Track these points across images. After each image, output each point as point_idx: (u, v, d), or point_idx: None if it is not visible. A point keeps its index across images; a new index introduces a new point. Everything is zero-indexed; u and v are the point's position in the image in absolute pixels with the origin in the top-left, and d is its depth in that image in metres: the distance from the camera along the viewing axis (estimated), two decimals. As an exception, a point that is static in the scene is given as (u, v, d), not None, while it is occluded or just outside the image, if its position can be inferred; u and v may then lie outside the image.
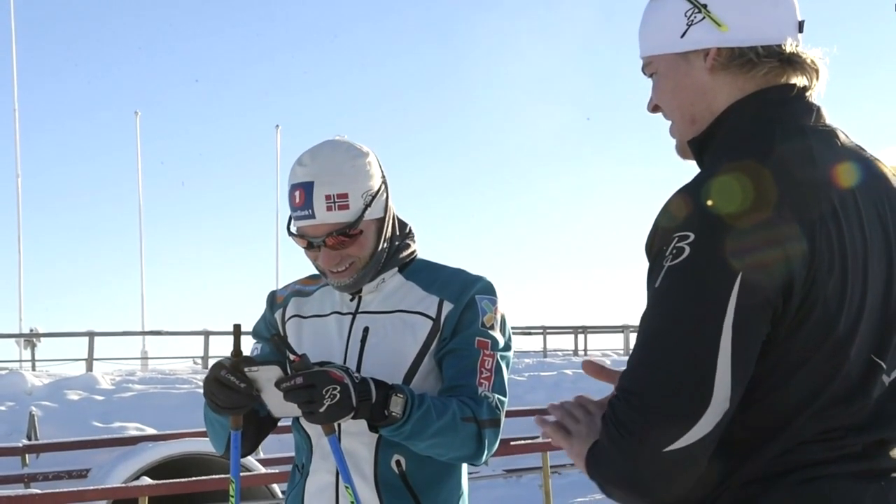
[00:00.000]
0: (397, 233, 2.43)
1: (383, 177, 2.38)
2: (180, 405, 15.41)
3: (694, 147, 1.75)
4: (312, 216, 2.26)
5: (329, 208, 2.25)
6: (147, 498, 8.81)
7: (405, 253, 2.43)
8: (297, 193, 2.28)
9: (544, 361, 23.35)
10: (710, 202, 1.52)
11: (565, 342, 31.12)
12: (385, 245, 2.37)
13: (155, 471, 10.55)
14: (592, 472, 1.61)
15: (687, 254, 1.51)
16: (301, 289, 2.53)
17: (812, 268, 1.52)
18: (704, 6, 1.69)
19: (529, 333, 27.79)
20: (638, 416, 1.51)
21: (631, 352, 1.60)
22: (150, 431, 14.05)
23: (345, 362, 2.34)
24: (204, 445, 11.34)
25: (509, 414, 2.39)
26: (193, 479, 9.43)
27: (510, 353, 2.39)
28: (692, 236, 1.51)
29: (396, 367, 2.31)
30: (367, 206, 2.30)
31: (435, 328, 2.33)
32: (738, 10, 1.69)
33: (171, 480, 9.32)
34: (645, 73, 1.81)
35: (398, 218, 2.45)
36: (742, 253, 1.49)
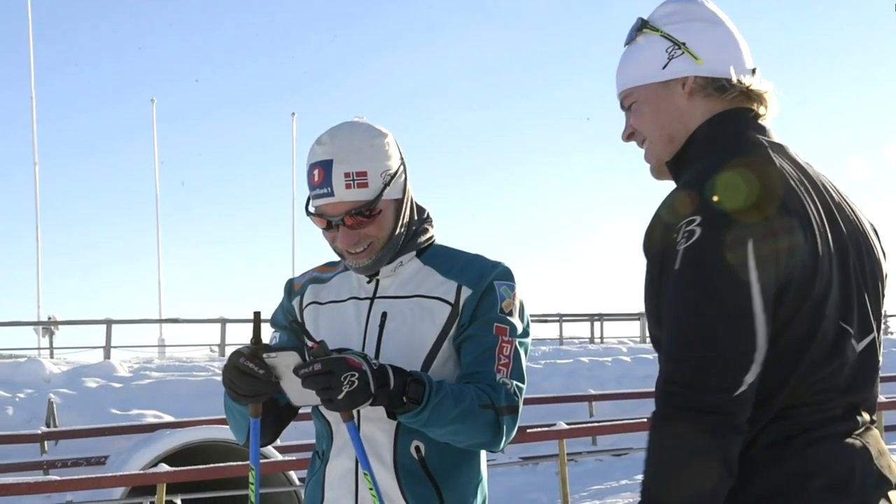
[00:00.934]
0: (415, 217, 2.42)
1: (402, 159, 2.38)
2: (197, 393, 15.45)
3: (671, 165, 2.06)
4: (331, 194, 2.26)
5: (348, 186, 2.26)
6: (165, 485, 8.85)
7: (423, 238, 2.42)
8: (315, 172, 2.28)
9: (560, 349, 23.32)
10: (709, 192, 1.79)
11: (581, 329, 31.20)
12: (403, 227, 2.37)
13: (172, 458, 10.60)
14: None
15: (699, 233, 1.76)
16: (318, 276, 2.53)
17: (793, 238, 1.79)
18: (683, 44, 2.03)
19: (545, 321, 27.76)
20: (703, 370, 1.73)
21: (671, 327, 1.81)
22: (168, 419, 14.12)
23: (363, 348, 2.33)
24: (221, 433, 11.39)
25: (526, 402, 2.38)
26: (211, 465, 9.47)
27: (528, 340, 2.38)
28: (699, 218, 1.77)
29: (415, 352, 2.31)
30: (386, 185, 2.30)
31: (454, 313, 2.33)
32: (711, 49, 2.03)
33: (189, 467, 9.36)
34: (623, 106, 2.12)
35: (416, 203, 2.45)
36: (746, 222, 1.76)
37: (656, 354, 1.94)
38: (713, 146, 1.97)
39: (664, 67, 2.03)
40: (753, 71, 2.06)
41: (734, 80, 2.01)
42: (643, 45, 2.07)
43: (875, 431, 1.92)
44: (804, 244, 1.80)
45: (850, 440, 1.85)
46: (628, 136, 2.12)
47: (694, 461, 1.72)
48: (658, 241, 1.84)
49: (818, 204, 1.89)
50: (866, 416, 1.91)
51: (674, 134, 2.04)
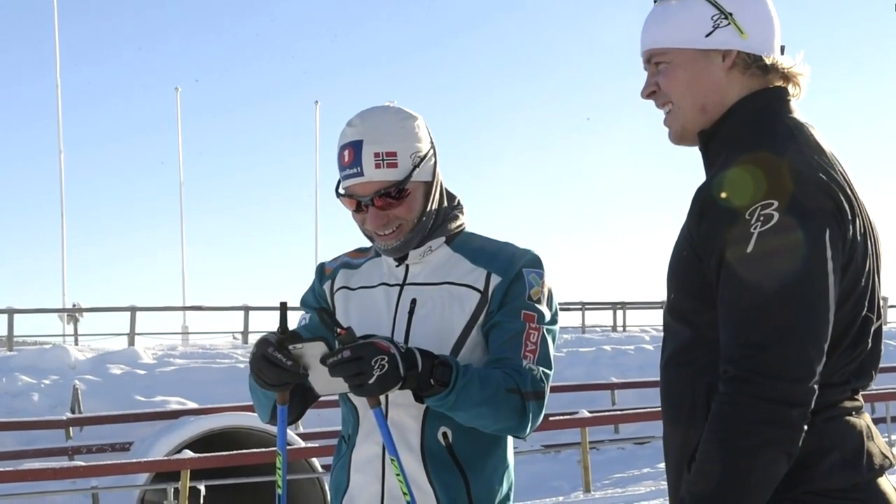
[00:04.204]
0: (445, 203, 2.42)
1: (432, 143, 2.38)
2: (221, 380, 15.54)
3: (703, 136, 2.03)
4: (361, 174, 2.27)
5: (378, 165, 2.26)
6: (189, 471, 8.91)
7: (454, 224, 2.42)
8: (346, 153, 2.29)
9: (583, 337, 23.31)
10: (781, 175, 1.79)
11: (604, 318, 31.13)
12: (433, 210, 2.37)
13: (196, 444, 10.67)
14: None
15: (777, 218, 1.75)
16: (349, 261, 2.53)
17: (853, 227, 1.83)
18: (731, 14, 1.98)
19: (568, 309, 27.70)
20: (784, 359, 1.73)
21: (742, 311, 1.78)
22: (192, 405, 14.20)
23: (392, 334, 2.33)
24: (244, 419, 11.44)
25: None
26: (235, 452, 9.52)
27: (556, 327, 2.37)
28: (776, 203, 1.76)
29: (444, 339, 2.31)
30: (416, 166, 2.30)
31: (483, 301, 2.32)
32: (756, 24, 2.00)
33: (212, 454, 9.43)
34: (647, 62, 2.07)
35: (447, 190, 2.45)
36: (823, 209, 1.78)
37: (672, 328, 1.98)
38: (760, 126, 1.95)
39: (707, 36, 1.98)
40: (782, 49, 2.05)
41: (777, 60, 1.99)
42: (685, 4, 2.01)
43: (866, 413, 1.97)
44: (856, 233, 1.83)
45: (856, 419, 1.89)
46: (649, 94, 2.08)
47: (767, 452, 1.73)
48: (722, 219, 1.82)
49: (855, 191, 1.91)
50: (861, 398, 1.96)
51: (707, 105, 2.01)
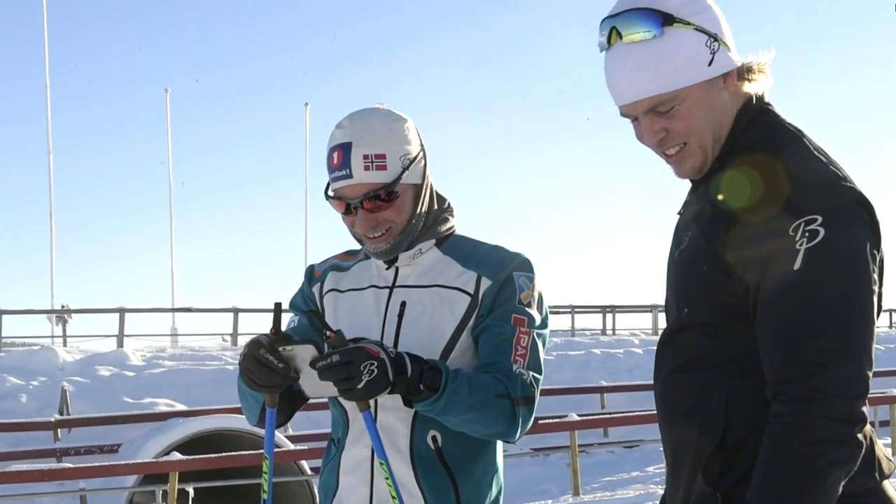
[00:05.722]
0: (435, 206, 2.42)
1: (422, 145, 2.38)
2: (210, 382, 15.50)
3: (717, 162, 1.97)
4: (350, 176, 2.27)
5: (367, 167, 2.26)
6: (177, 473, 8.88)
7: (444, 227, 2.42)
8: (335, 155, 2.29)
9: (572, 340, 23.32)
10: (820, 189, 1.77)
11: (593, 321, 31.06)
12: (422, 212, 2.36)
13: (185, 446, 10.64)
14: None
15: (823, 234, 1.72)
16: (339, 263, 2.53)
17: (880, 234, 1.83)
18: (716, 35, 1.92)
19: (557, 312, 27.73)
20: (846, 377, 1.72)
21: (787, 331, 1.76)
22: (180, 407, 14.17)
23: (382, 337, 2.33)
24: (233, 421, 11.42)
25: (537, 393, 2.37)
26: (223, 454, 9.50)
27: (546, 331, 2.37)
28: (820, 218, 1.73)
29: (434, 342, 2.30)
30: (405, 169, 2.30)
31: (473, 304, 2.32)
32: (728, 33, 1.95)
33: (201, 456, 9.40)
34: (650, 112, 1.93)
35: (438, 193, 2.44)
36: (861, 222, 1.77)
37: (683, 341, 1.95)
38: (765, 130, 1.94)
39: (710, 64, 1.91)
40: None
41: (756, 60, 1.97)
42: (673, 40, 1.89)
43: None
44: (880, 243, 1.84)
45: (866, 426, 1.84)
46: (661, 140, 1.97)
47: (835, 471, 1.72)
48: (761, 236, 1.78)
49: None
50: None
51: (721, 132, 1.96)
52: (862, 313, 1.75)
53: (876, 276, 1.78)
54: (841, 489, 1.76)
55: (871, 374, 1.75)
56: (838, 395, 1.71)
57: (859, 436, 1.74)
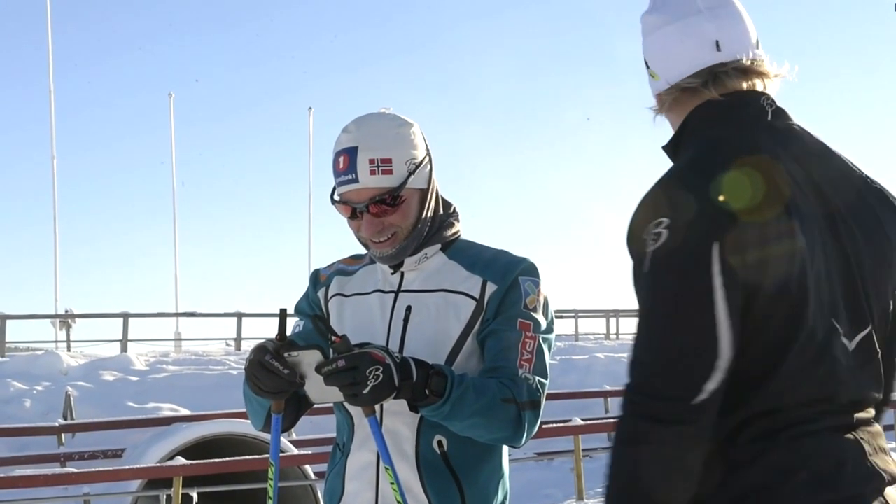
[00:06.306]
0: (440, 211, 2.42)
1: (428, 150, 2.38)
2: (213, 386, 15.49)
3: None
4: (356, 180, 2.26)
5: (373, 172, 2.26)
6: (181, 478, 8.88)
7: (449, 231, 2.42)
8: (341, 159, 2.28)
9: (576, 345, 23.32)
10: (675, 192, 1.78)
11: (597, 326, 31.05)
12: (428, 217, 2.36)
13: (189, 451, 10.62)
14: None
15: (665, 236, 1.74)
16: (344, 268, 2.53)
17: (763, 239, 1.73)
18: (647, 64, 2.02)
19: (561, 317, 27.69)
20: (662, 377, 1.73)
21: (637, 331, 1.81)
22: (184, 412, 14.15)
23: (387, 342, 2.33)
24: (237, 426, 11.40)
25: (542, 398, 2.37)
26: (228, 459, 9.48)
27: (552, 336, 2.37)
28: (666, 220, 1.75)
29: (439, 347, 2.30)
30: (411, 173, 2.30)
31: (478, 309, 2.32)
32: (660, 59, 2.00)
33: (205, 461, 9.39)
34: None
35: (443, 198, 2.44)
36: (709, 222, 1.73)
37: None
38: (686, 143, 1.98)
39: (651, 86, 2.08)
40: (718, 44, 2.00)
41: (686, 79, 2.01)
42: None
43: (875, 427, 1.88)
44: (777, 244, 1.75)
45: (840, 435, 1.81)
46: None
47: (650, 470, 1.73)
48: (633, 241, 1.82)
49: (797, 188, 1.83)
50: (866, 412, 1.87)
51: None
52: (684, 320, 1.73)
53: (721, 279, 1.70)
54: (787, 503, 1.74)
55: (704, 375, 1.71)
56: (649, 395, 1.73)
57: (674, 435, 1.71)
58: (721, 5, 1.97)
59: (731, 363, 1.73)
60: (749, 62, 1.95)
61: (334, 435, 2.54)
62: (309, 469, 10.44)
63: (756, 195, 1.76)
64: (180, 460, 9.34)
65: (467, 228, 2.46)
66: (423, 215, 2.35)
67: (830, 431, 1.80)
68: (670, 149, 2.01)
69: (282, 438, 2.46)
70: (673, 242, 1.73)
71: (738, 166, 1.79)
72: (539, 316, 2.32)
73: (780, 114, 1.95)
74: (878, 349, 1.88)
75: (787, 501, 1.75)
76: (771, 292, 1.74)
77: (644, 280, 1.78)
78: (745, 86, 1.96)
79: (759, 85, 1.97)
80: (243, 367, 2.25)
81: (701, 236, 1.72)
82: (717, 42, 1.95)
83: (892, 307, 1.92)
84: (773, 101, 1.96)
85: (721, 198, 1.74)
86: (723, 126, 1.91)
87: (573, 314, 28.19)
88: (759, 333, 1.76)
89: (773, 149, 1.86)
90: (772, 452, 1.77)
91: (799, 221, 1.78)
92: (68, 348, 22.25)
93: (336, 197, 2.34)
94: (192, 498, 9.09)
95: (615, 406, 17.30)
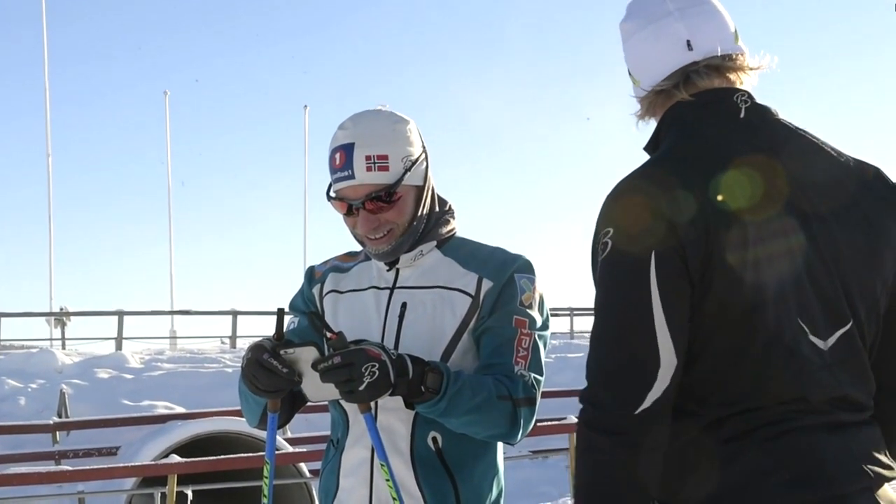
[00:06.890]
0: (436, 208, 2.42)
1: (424, 147, 2.38)
2: (208, 384, 15.47)
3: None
4: (352, 177, 2.27)
5: (369, 168, 2.26)
6: (176, 475, 8.86)
7: (445, 229, 2.42)
8: (337, 156, 2.29)
9: (571, 343, 23.32)
10: (618, 203, 1.81)
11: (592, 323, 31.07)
12: (424, 214, 2.37)
13: (183, 449, 10.62)
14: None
15: (610, 246, 1.77)
16: (339, 265, 2.53)
17: (707, 241, 1.72)
18: (629, 71, 2.04)
19: (556, 315, 27.75)
20: (604, 388, 1.76)
21: (590, 339, 1.84)
22: (179, 410, 14.14)
23: (382, 338, 2.33)
24: (232, 424, 11.40)
25: (537, 395, 2.37)
26: (223, 457, 9.47)
27: (547, 333, 2.37)
28: (611, 230, 1.78)
29: (435, 343, 2.30)
30: (407, 170, 2.30)
31: (474, 305, 2.32)
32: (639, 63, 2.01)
33: (200, 458, 9.37)
34: None
35: (439, 195, 2.44)
36: (649, 233, 1.73)
37: None
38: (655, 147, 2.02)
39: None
40: (689, 44, 1.98)
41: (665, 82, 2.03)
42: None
43: (869, 426, 1.83)
44: (722, 250, 1.73)
45: (821, 434, 1.76)
46: None
47: (605, 477, 1.75)
48: (592, 249, 1.85)
49: (763, 189, 1.79)
50: (856, 411, 1.82)
51: None
52: (622, 329, 1.75)
53: (660, 289, 1.71)
54: (765, 502, 1.72)
55: (635, 388, 1.72)
56: (592, 404, 1.76)
57: (616, 445, 1.73)
58: (692, 4, 1.96)
59: (679, 370, 1.74)
60: (722, 59, 1.93)
61: (328, 433, 2.53)
62: (304, 467, 10.44)
63: (706, 202, 1.74)
64: (175, 458, 9.33)
65: (466, 224, 2.46)
66: (419, 212, 2.35)
67: (810, 430, 1.76)
68: (650, 152, 2.01)
69: (278, 436, 2.45)
70: (615, 253, 1.77)
71: (693, 171, 1.78)
72: (534, 313, 2.33)
73: (758, 110, 1.91)
74: (862, 344, 1.83)
75: (764, 502, 1.73)
76: (723, 297, 1.73)
77: (595, 289, 1.81)
78: (718, 83, 1.93)
79: (735, 81, 1.94)
80: (239, 365, 2.24)
81: (640, 247, 1.74)
82: (688, 41, 1.93)
83: (883, 301, 1.87)
84: (749, 97, 1.92)
85: (666, 207, 1.74)
86: (690, 128, 1.89)
87: (569, 312, 28.20)
88: (714, 337, 1.76)
89: (742, 148, 1.83)
90: (747, 452, 1.75)
91: (756, 227, 1.74)
92: (63, 346, 22.22)
93: (332, 193, 2.34)
94: (186, 496, 9.08)
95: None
